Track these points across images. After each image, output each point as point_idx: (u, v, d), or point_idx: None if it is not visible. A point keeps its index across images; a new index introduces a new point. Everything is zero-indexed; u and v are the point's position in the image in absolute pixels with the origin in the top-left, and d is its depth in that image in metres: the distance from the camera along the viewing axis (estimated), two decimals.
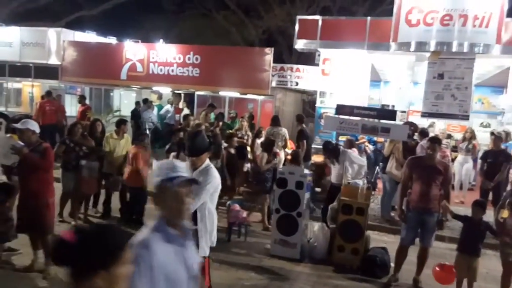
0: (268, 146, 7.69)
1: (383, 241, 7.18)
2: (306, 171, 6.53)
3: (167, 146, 7.93)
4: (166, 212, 2.18)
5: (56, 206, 5.78)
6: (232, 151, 8.01)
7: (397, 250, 5.64)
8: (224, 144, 8.27)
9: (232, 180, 7.78)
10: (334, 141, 7.72)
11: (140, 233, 2.10)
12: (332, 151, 7.08)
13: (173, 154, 7.20)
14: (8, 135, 6.70)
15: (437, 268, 5.29)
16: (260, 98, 13.37)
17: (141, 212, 7.09)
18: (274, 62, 12.27)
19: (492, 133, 8.64)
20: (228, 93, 13.45)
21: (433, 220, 5.39)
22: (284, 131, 9.58)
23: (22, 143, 4.92)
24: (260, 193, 7.52)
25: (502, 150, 8.19)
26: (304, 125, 9.56)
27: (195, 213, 3.64)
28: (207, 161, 3.78)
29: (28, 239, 5.18)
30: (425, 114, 9.28)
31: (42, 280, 4.92)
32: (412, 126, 8.30)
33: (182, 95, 14.82)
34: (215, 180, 3.71)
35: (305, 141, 8.98)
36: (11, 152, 4.79)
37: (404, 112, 11.99)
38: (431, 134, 8.81)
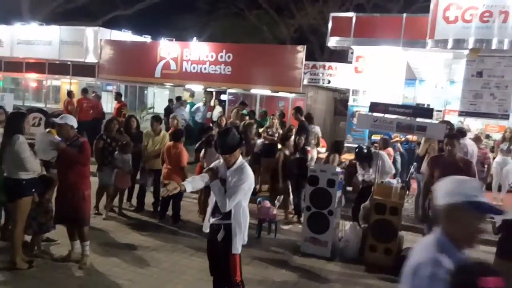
0: (338, 147, 7.48)
1: (410, 240, 7.01)
2: (338, 169, 6.45)
3: (197, 144, 7.98)
4: (455, 233, 1.96)
5: (92, 199, 5.95)
6: (287, 152, 7.76)
7: None
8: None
9: (285, 182, 7.59)
10: (366, 144, 7.63)
11: (421, 249, 1.98)
12: (366, 158, 6.96)
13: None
14: (47, 130, 6.95)
15: None
16: (291, 96, 13.32)
17: (177, 209, 7.19)
18: (305, 60, 12.20)
19: None
20: (259, 91, 13.47)
21: None
22: (317, 129, 9.52)
23: (59, 138, 5.08)
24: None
25: None
26: (304, 119, 9.45)
27: (229, 210, 3.67)
28: (240, 158, 3.80)
29: (66, 230, 5.36)
30: (462, 113, 9.02)
31: (78, 270, 5.07)
32: (448, 125, 8.07)
33: (214, 93, 14.96)
34: (250, 178, 3.72)
35: (303, 136, 8.83)
36: (50, 148, 4.95)
37: (440, 111, 11.67)
38: (468, 135, 8.57)
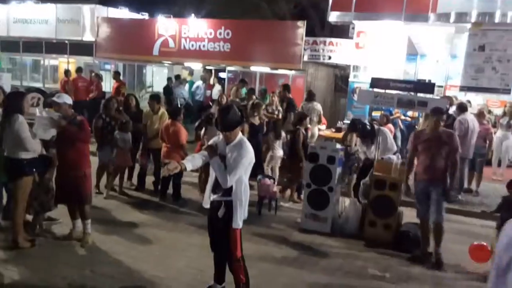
0: (355, 125, 7.27)
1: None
2: (338, 146, 6.44)
3: (196, 123, 7.94)
4: None
5: (93, 178, 5.96)
6: (304, 132, 7.59)
7: (419, 225, 5.64)
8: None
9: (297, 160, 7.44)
10: (367, 121, 7.52)
11: None
12: (369, 134, 6.88)
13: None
14: (46, 109, 6.91)
15: (472, 248, 5.24)
16: (291, 73, 13.20)
17: (178, 187, 7.21)
18: (306, 36, 12.03)
19: None
20: (259, 68, 13.34)
21: (438, 192, 5.24)
22: (319, 106, 9.44)
23: (59, 114, 5.04)
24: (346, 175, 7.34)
25: None
26: (291, 95, 9.41)
27: (230, 187, 3.67)
28: (240, 134, 3.78)
29: (67, 209, 5.39)
30: (463, 88, 8.97)
31: (80, 248, 5.12)
32: (448, 100, 8.03)
33: (213, 71, 14.82)
34: (250, 154, 3.71)
35: (292, 113, 8.80)
36: (50, 126, 4.92)
37: (441, 86, 11.58)
38: (469, 110, 8.52)
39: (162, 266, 4.78)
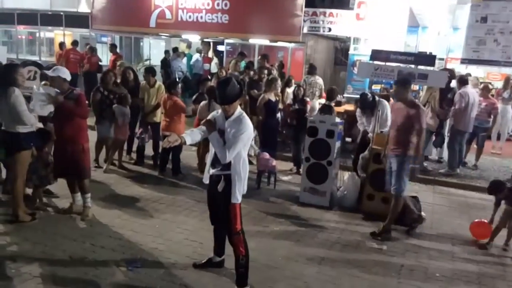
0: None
1: (414, 190, 7.10)
2: (338, 119, 6.40)
3: (194, 96, 7.84)
4: None
5: (92, 152, 5.95)
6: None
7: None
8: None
9: None
10: (368, 92, 7.42)
11: None
12: (370, 105, 6.79)
13: (204, 102, 7.11)
14: (43, 82, 6.84)
15: (474, 225, 5.37)
16: (290, 45, 13.01)
17: (177, 161, 7.21)
18: (305, 7, 11.80)
19: None
20: (258, 41, 13.14)
21: (395, 164, 5.20)
22: (321, 80, 9.31)
23: (58, 90, 4.98)
24: None
25: None
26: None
27: (229, 161, 3.65)
28: (239, 108, 3.73)
29: (66, 183, 5.40)
30: (465, 61, 8.87)
31: (80, 222, 5.16)
32: (449, 73, 7.93)
33: (211, 43, 14.61)
34: (249, 128, 3.67)
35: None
36: (48, 101, 4.86)
37: (442, 59, 11.46)
38: (469, 83, 8.44)
39: (162, 239, 4.83)
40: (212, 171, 3.81)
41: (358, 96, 9.01)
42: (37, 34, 15.99)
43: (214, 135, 3.66)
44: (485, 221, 5.43)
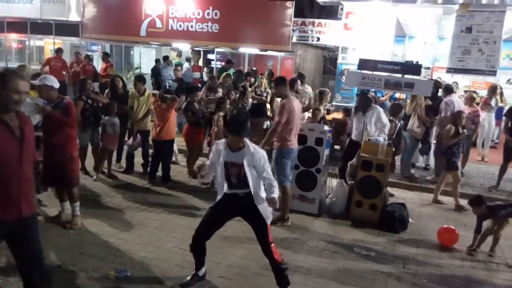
0: (457, 118, 6.86)
1: (402, 197, 7.21)
2: (326, 127, 6.49)
3: (183, 105, 7.81)
4: None
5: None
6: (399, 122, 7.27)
7: None
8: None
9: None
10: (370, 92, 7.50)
11: None
12: (366, 100, 6.88)
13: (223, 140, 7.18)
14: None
15: (440, 231, 5.41)
16: (280, 54, 13.14)
17: (167, 169, 7.23)
18: (294, 17, 11.96)
19: None
20: (247, 50, 13.26)
21: (274, 157, 5.65)
22: (310, 89, 9.40)
23: (44, 101, 4.98)
24: (450, 170, 7.01)
25: None
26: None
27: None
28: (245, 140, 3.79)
29: (55, 191, 5.39)
30: (450, 70, 9.03)
31: (69, 230, 5.14)
32: (436, 83, 8.09)
33: (202, 52, 14.69)
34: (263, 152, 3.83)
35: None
36: (35, 112, 4.86)
37: (428, 68, 11.67)
38: (456, 92, 8.62)
39: (152, 248, 4.84)
40: (239, 191, 3.86)
41: (346, 104, 9.17)
42: (27, 43, 15.93)
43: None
44: (452, 227, 5.52)
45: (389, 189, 6.87)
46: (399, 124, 7.18)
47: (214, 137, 6.94)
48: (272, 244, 3.86)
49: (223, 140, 3.86)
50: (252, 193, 3.76)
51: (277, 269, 3.91)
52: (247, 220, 3.99)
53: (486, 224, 5.33)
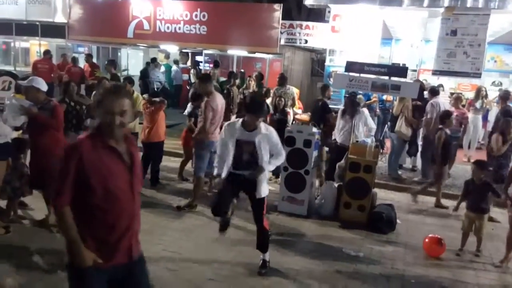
0: (506, 127, 6.38)
1: (390, 198, 7.27)
2: (315, 129, 6.52)
3: (187, 110, 7.59)
4: None
5: None
6: (448, 132, 7.07)
7: None
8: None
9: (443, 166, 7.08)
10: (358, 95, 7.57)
11: None
12: (354, 104, 6.93)
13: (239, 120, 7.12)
14: (12, 94, 6.70)
15: (426, 240, 5.37)
16: (268, 57, 13.17)
17: (157, 171, 7.18)
18: (282, 19, 12.00)
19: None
20: (236, 52, 13.26)
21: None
22: (292, 90, 9.43)
23: (30, 102, 4.92)
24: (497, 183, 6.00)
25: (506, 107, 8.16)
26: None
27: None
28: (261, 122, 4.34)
29: (42, 195, 5.32)
30: (436, 72, 9.13)
31: (57, 234, 5.07)
32: (420, 84, 8.19)
33: (190, 54, 14.65)
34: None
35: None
36: (20, 113, 4.80)
37: (414, 70, 11.80)
38: (441, 94, 8.74)
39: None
40: (245, 172, 4.29)
41: (334, 106, 9.19)
42: (12, 44, 15.72)
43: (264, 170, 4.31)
44: (438, 236, 5.34)
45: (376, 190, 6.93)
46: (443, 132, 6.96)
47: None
48: (265, 216, 4.42)
49: (238, 120, 4.38)
50: (259, 165, 4.22)
51: (262, 234, 4.41)
52: (248, 194, 4.43)
53: (464, 223, 5.40)
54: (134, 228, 2.47)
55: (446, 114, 7.11)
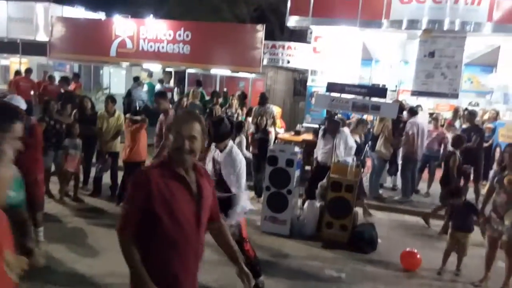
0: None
1: (371, 217, 7.30)
2: (297, 149, 6.55)
3: None
4: None
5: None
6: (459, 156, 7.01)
7: None
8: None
9: None
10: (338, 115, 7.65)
11: None
12: (335, 124, 7.00)
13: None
14: None
15: (402, 255, 5.44)
16: (251, 76, 13.28)
17: None
18: (265, 39, 12.16)
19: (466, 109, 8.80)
20: (219, 71, 13.34)
21: None
22: (272, 108, 9.45)
23: None
24: None
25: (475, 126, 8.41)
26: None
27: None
28: (230, 142, 4.23)
29: None
30: (415, 93, 9.33)
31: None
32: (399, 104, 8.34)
33: (173, 73, 14.67)
34: (242, 160, 4.17)
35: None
36: None
37: (394, 91, 12.02)
38: (420, 114, 8.91)
39: (119, 271, 4.68)
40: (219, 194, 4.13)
41: (316, 126, 9.29)
42: None
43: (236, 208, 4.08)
44: (415, 251, 5.50)
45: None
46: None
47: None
48: (246, 241, 4.31)
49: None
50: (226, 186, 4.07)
51: (249, 263, 4.12)
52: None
53: (448, 243, 5.45)
54: (198, 262, 2.38)
55: (459, 139, 7.21)
